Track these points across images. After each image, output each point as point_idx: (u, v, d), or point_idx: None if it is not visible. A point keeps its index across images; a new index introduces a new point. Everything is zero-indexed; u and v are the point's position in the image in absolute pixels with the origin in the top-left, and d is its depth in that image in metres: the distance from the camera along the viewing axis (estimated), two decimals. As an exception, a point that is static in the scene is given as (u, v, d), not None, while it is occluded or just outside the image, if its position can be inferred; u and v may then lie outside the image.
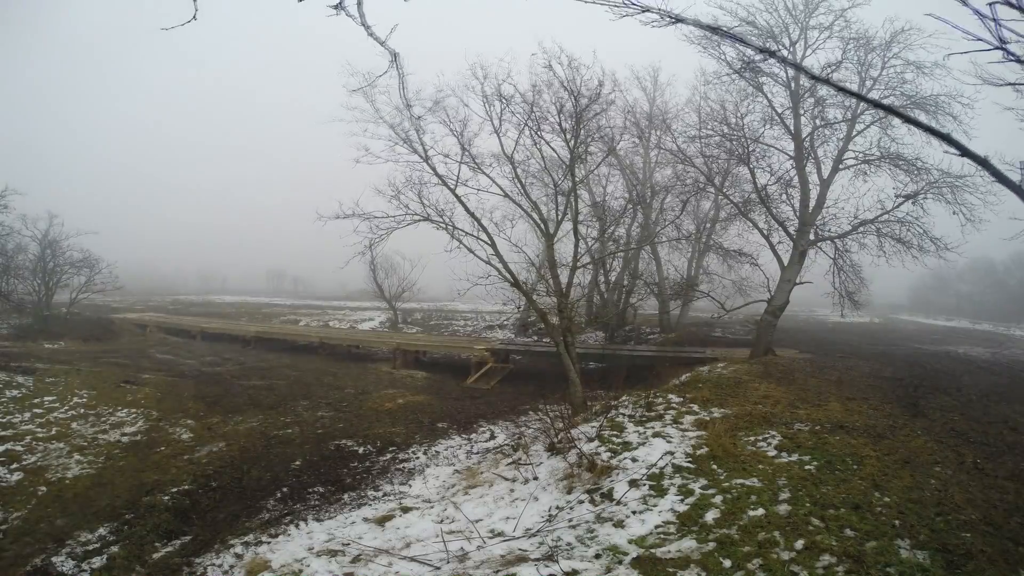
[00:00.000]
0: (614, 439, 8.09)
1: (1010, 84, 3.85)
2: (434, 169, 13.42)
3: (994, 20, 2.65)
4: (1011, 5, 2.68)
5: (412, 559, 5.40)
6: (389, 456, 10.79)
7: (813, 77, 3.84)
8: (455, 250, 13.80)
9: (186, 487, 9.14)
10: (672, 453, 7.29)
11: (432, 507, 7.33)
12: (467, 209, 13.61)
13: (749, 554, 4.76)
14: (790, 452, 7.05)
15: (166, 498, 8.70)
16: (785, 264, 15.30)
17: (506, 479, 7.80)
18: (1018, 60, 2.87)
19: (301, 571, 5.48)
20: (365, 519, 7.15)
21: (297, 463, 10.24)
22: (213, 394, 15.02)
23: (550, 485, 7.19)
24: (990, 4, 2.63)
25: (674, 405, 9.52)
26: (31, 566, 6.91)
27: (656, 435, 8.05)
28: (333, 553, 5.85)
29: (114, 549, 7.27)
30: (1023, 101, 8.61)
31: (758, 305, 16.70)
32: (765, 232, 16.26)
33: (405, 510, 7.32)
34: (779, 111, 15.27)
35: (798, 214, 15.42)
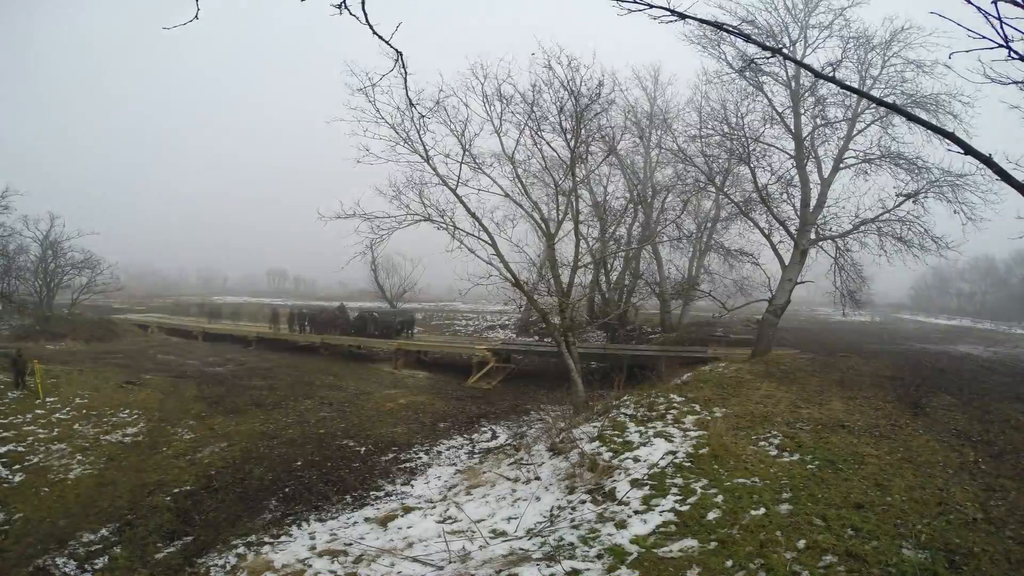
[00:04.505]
0: (616, 439, 8.08)
1: (1015, 82, 3.82)
2: (435, 169, 13.41)
3: (998, 18, 2.64)
4: (1015, 3, 2.67)
5: (415, 559, 5.41)
6: (391, 456, 10.79)
7: (816, 74, 3.84)
8: (456, 250, 13.79)
9: (188, 487, 9.14)
10: (674, 453, 7.29)
11: (434, 507, 7.33)
12: (468, 209, 13.61)
13: (751, 554, 4.75)
14: (791, 452, 7.05)
15: (168, 498, 8.71)
16: (786, 263, 15.28)
17: (508, 479, 7.80)
18: (1022, 58, 2.85)
19: (304, 571, 5.49)
20: (367, 519, 7.16)
21: (299, 463, 10.25)
22: (215, 395, 15.02)
23: (552, 485, 7.19)
24: (994, 2, 2.62)
25: (675, 405, 9.52)
26: (33, 567, 6.92)
27: (658, 435, 8.05)
28: (335, 553, 5.85)
29: (116, 550, 7.29)
30: None
31: (759, 304, 16.69)
32: (766, 231, 16.25)
33: (407, 510, 7.32)
34: (779, 110, 15.25)
35: (799, 213, 15.40)
